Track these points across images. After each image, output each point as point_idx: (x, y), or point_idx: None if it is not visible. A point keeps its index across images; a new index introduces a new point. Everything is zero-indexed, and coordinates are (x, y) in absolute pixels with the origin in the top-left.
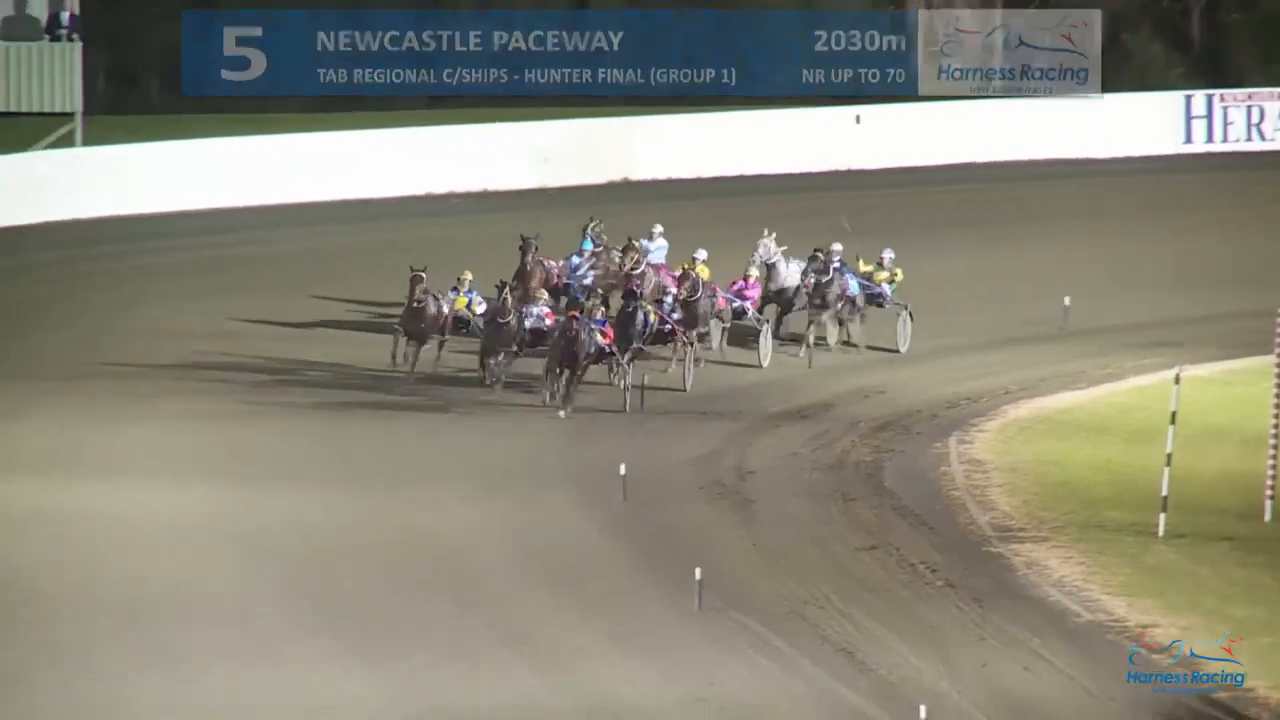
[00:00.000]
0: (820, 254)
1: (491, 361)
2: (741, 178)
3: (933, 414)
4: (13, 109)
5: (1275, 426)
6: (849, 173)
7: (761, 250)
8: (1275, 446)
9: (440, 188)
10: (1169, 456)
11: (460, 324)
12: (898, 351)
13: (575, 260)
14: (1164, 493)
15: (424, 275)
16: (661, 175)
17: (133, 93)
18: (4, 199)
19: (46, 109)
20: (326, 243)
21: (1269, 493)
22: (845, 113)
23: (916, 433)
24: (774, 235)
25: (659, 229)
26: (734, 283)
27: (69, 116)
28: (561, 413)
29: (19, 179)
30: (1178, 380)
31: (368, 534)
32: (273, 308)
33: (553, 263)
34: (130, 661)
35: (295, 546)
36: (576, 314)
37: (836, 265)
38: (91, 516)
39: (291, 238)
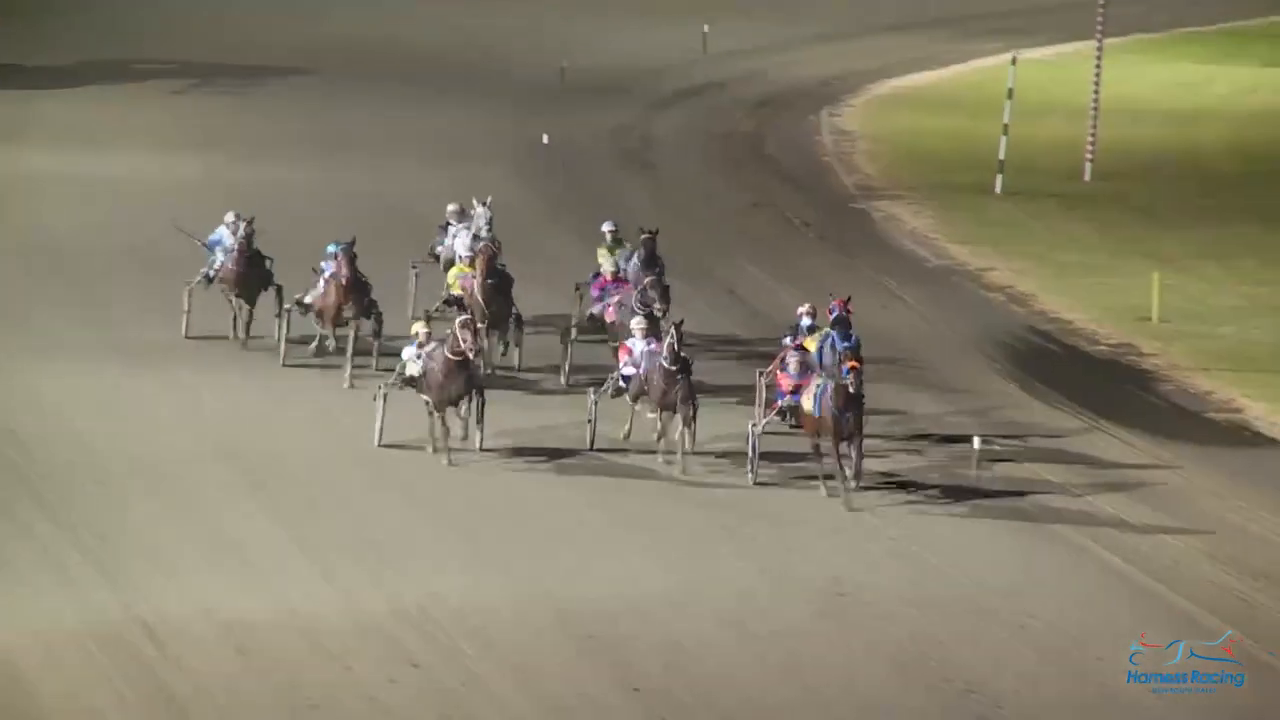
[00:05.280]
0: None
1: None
2: None
3: (807, 91)
4: None
5: (1094, 102)
6: None
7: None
8: (1094, 118)
9: None
10: (1005, 127)
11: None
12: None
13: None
14: (1001, 157)
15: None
16: None
17: None
18: None
19: None
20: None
21: (1089, 157)
22: None
23: (793, 108)
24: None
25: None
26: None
27: None
28: (851, 483)
29: None
30: (1014, 62)
31: None
32: None
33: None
34: None
35: None
36: (858, 365)
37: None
38: None
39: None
